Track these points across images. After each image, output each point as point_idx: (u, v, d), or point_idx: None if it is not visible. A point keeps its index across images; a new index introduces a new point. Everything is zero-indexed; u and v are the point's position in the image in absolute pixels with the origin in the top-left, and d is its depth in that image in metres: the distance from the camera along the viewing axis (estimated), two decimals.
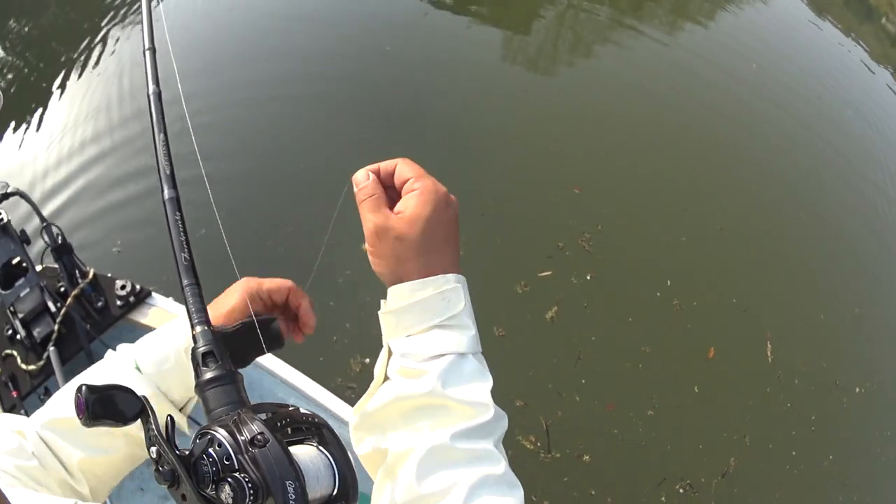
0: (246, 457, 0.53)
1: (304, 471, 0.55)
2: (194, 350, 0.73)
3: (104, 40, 5.58)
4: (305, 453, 0.59)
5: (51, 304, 2.47)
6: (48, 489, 0.79)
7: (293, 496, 0.52)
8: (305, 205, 3.79)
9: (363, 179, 0.76)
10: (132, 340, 2.50)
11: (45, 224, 2.40)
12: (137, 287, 2.62)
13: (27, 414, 2.09)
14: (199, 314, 0.76)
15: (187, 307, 0.78)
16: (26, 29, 6.20)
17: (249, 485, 0.52)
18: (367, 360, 3.17)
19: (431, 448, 0.66)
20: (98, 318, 2.59)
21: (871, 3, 8.74)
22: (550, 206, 3.91)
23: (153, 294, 2.66)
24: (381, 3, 5.79)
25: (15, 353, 2.46)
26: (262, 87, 4.66)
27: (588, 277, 3.51)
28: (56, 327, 2.42)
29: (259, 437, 0.54)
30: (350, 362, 3.14)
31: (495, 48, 5.51)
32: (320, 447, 0.60)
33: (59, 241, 2.46)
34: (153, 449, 0.58)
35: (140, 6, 1.17)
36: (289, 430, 0.60)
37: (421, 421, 0.69)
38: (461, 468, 0.66)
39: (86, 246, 2.59)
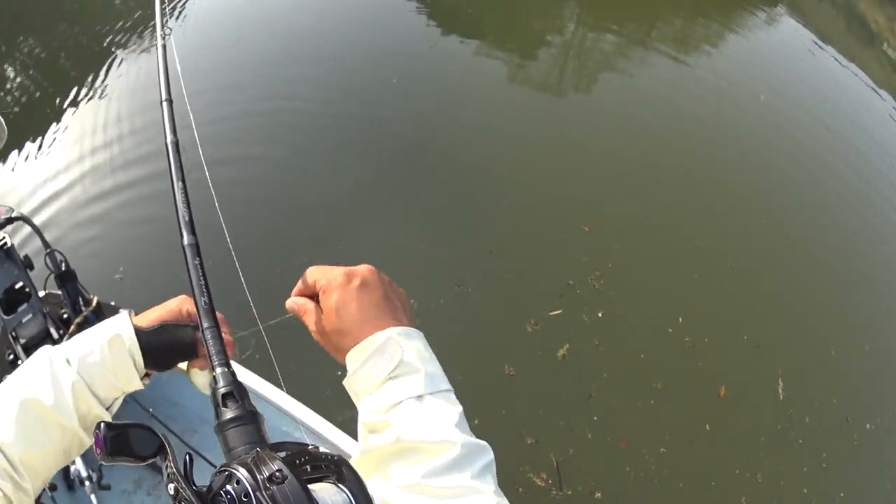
0: (264, 494, 0.54)
1: None
2: (214, 390, 0.76)
3: (112, 63, 5.73)
4: (324, 490, 0.60)
5: (53, 331, 2.47)
6: None
7: None
8: (311, 237, 3.90)
9: (291, 306, 0.88)
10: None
11: (48, 250, 2.43)
12: None
13: None
14: (219, 356, 0.79)
15: (208, 350, 0.81)
16: (36, 50, 6.34)
17: None
18: None
19: (407, 489, 0.71)
20: None
21: (873, 29, 8.89)
22: (560, 245, 4.01)
23: None
24: (389, 34, 5.95)
25: None
26: (269, 119, 4.79)
27: (599, 315, 3.60)
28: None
29: (277, 474, 0.55)
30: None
31: (502, 80, 5.65)
32: (339, 484, 0.61)
33: (63, 268, 2.50)
34: (171, 486, 0.59)
35: (156, 54, 1.22)
36: (308, 467, 0.61)
37: (394, 467, 0.73)
38: (440, 501, 0.69)
39: (87, 272, 2.67)
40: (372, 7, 6.57)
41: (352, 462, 0.73)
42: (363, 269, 0.85)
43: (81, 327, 2.50)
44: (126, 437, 0.63)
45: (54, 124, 5.12)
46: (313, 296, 0.87)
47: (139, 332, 0.95)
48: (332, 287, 0.83)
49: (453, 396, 0.79)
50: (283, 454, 0.59)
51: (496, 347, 3.46)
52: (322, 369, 3.22)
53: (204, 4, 6.22)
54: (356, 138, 4.64)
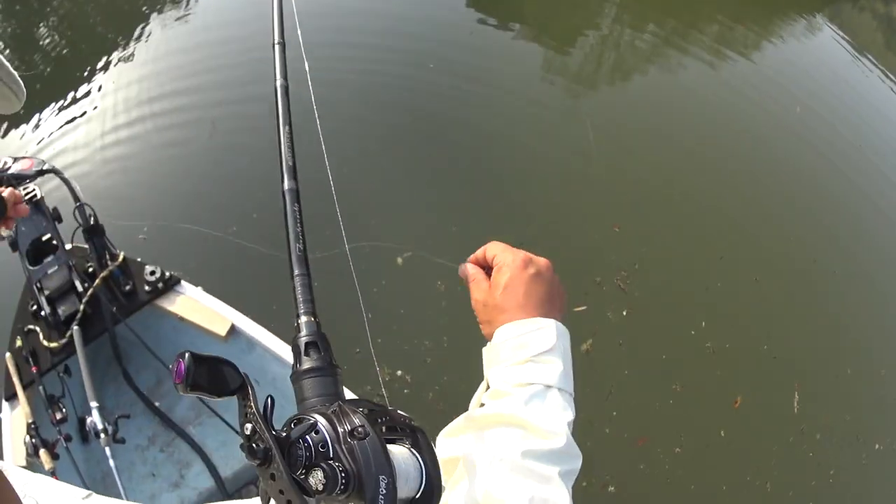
0: (343, 447, 0.55)
1: (396, 469, 0.58)
2: (296, 339, 0.76)
3: (147, 22, 5.81)
4: (399, 453, 0.61)
5: (78, 284, 2.55)
6: None
7: (384, 491, 0.54)
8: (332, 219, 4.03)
9: (465, 271, 0.97)
10: (159, 327, 2.75)
11: (78, 204, 2.49)
12: (167, 274, 2.73)
13: (45, 391, 2.30)
14: (306, 304, 0.80)
15: (295, 296, 0.81)
16: (68, 6, 6.41)
17: (343, 474, 0.54)
18: (399, 373, 3.39)
19: (501, 460, 0.75)
20: (125, 302, 2.69)
21: None
22: (589, 242, 4.15)
23: (182, 282, 2.77)
24: (428, 20, 6.08)
25: (38, 329, 2.55)
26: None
27: (624, 313, 3.72)
28: (81, 307, 2.51)
29: (360, 429, 0.56)
30: (378, 372, 3.35)
31: (539, 72, 5.75)
32: (413, 450, 0.63)
33: (92, 222, 2.56)
34: (248, 426, 0.59)
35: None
36: (384, 428, 0.62)
37: (495, 433, 0.78)
38: (523, 483, 0.74)
39: (111, 229, 2.77)
40: None
41: (452, 424, 0.83)
42: (542, 261, 0.93)
43: (106, 282, 2.64)
44: (209, 369, 0.62)
45: (87, 84, 5.21)
46: (486, 268, 0.95)
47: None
48: (508, 266, 0.90)
49: (573, 401, 0.85)
50: (363, 410, 0.60)
51: None
52: (346, 347, 3.39)
53: None
54: (389, 128, 4.80)
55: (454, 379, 3.38)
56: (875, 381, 3.90)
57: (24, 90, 0.96)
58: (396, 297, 3.68)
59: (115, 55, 5.48)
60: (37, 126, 4.80)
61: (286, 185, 0.93)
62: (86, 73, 5.28)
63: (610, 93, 5.88)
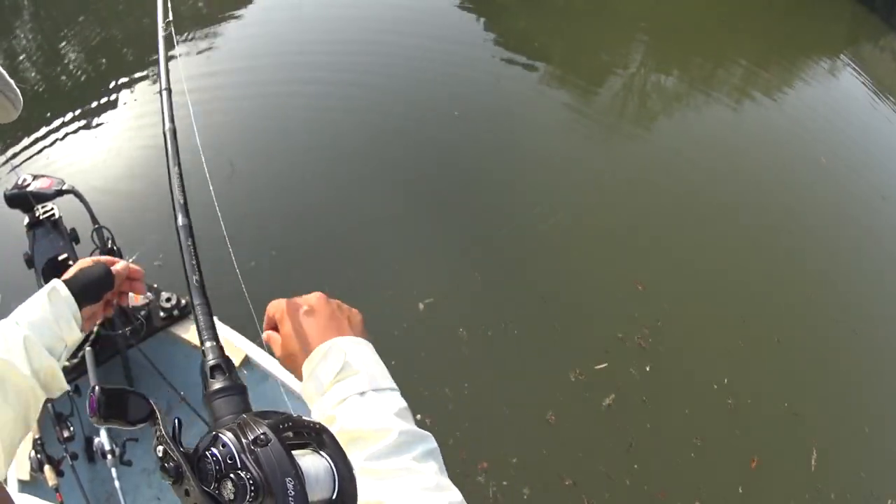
0: (248, 456, 0.58)
1: (304, 472, 0.60)
2: (203, 363, 0.81)
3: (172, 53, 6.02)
4: (306, 456, 0.63)
5: None
6: None
7: (292, 493, 0.57)
8: (351, 260, 4.23)
9: (264, 338, 1.04)
10: (172, 353, 2.85)
11: (96, 226, 2.53)
12: (182, 301, 2.81)
13: (54, 409, 2.35)
14: (208, 331, 0.85)
15: (197, 324, 0.88)
16: (94, 29, 6.63)
17: (251, 482, 0.56)
18: (418, 416, 3.54)
19: (360, 475, 0.76)
20: (139, 327, 2.74)
21: None
22: (612, 300, 4.31)
23: None
24: (455, 66, 6.32)
25: None
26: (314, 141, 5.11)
27: (647, 368, 3.90)
28: (95, 329, 2.52)
29: (262, 436, 0.59)
30: None
31: (564, 120, 6.00)
32: (320, 451, 0.65)
33: (109, 245, 2.60)
34: (159, 448, 0.62)
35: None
36: (291, 433, 0.64)
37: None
38: (383, 483, 0.78)
39: (128, 255, 2.83)
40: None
41: None
42: (311, 297, 0.99)
43: (121, 304, 2.76)
44: (117, 401, 0.66)
45: (111, 102, 5.52)
46: (276, 328, 1.02)
47: (66, 281, 1.18)
48: (283, 317, 0.98)
49: (397, 395, 0.90)
50: (266, 421, 0.63)
51: (538, 392, 3.76)
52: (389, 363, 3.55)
53: None
54: (412, 173, 5.02)
55: (476, 426, 3.54)
56: (891, 438, 4.04)
57: (21, 99, 0.99)
58: (416, 342, 3.85)
59: (137, 75, 5.71)
60: (58, 142, 5.06)
61: (180, 222, 1.01)
62: (110, 92, 5.51)
63: (633, 142, 6.08)
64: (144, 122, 5.34)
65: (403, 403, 0.89)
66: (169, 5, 1.53)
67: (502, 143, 5.43)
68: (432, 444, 0.85)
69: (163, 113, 1.17)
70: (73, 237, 2.66)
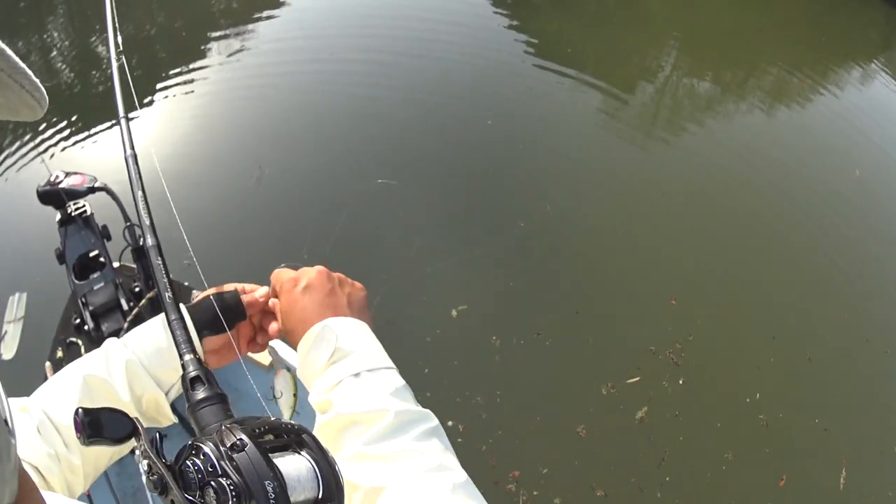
0: (227, 462, 0.60)
1: (284, 474, 0.61)
2: (184, 376, 0.83)
3: (206, 52, 6.16)
4: (285, 457, 0.65)
5: (123, 302, 2.58)
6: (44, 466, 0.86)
7: (273, 496, 0.58)
8: (385, 266, 4.34)
9: (270, 304, 1.07)
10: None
11: (128, 224, 2.54)
12: None
13: None
14: (185, 344, 0.88)
15: (175, 339, 0.90)
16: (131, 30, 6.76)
17: (232, 487, 0.58)
18: (450, 423, 3.62)
19: (353, 459, 0.80)
20: None
21: None
22: (645, 312, 4.39)
23: None
24: (488, 76, 6.41)
25: (80, 342, 2.60)
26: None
27: (680, 382, 3.99)
28: (126, 325, 2.53)
29: (238, 442, 0.61)
30: None
31: (599, 132, 6.06)
32: (300, 452, 0.67)
33: (141, 243, 2.56)
34: (144, 462, 0.64)
35: None
36: (271, 436, 0.66)
37: (342, 440, 0.84)
38: (383, 467, 0.78)
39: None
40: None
41: None
42: (311, 271, 1.01)
43: (152, 302, 2.67)
44: (99, 421, 0.67)
45: (146, 103, 5.62)
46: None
47: (189, 307, 1.04)
48: (282, 291, 1.01)
49: (394, 373, 0.91)
50: (242, 426, 0.65)
51: (570, 404, 3.85)
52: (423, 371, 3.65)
53: None
54: (442, 181, 5.12)
55: (508, 435, 3.64)
56: None
57: (46, 97, 1.03)
58: (449, 349, 3.95)
59: (172, 81, 5.83)
60: (94, 142, 5.21)
61: (149, 242, 1.06)
62: (146, 93, 5.64)
63: (666, 152, 6.10)
64: (178, 117, 5.50)
65: (401, 382, 0.90)
66: (119, 36, 1.58)
67: (536, 152, 5.52)
68: (433, 421, 0.86)
69: (123, 141, 1.23)
70: (105, 234, 2.71)
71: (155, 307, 2.70)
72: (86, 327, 2.59)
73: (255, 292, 1.11)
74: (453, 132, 5.54)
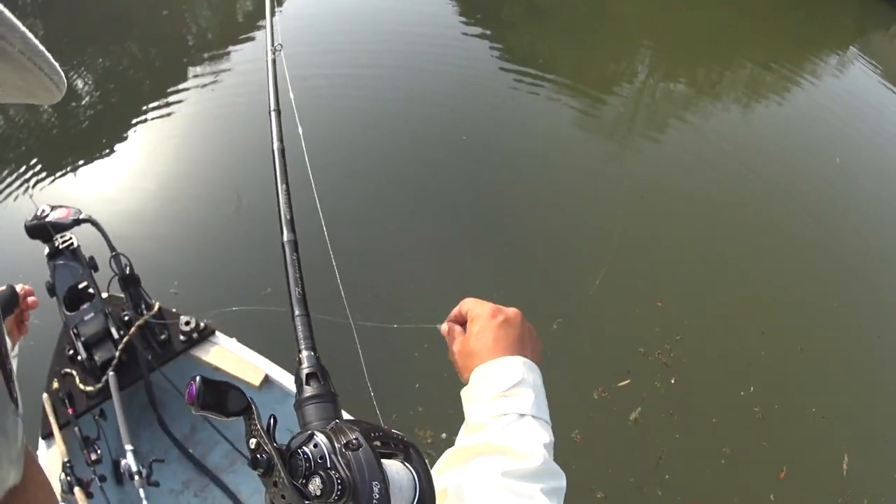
0: (339, 457, 0.61)
1: (389, 479, 0.63)
2: (298, 370, 0.85)
3: (184, 79, 6.22)
4: (393, 465, 0.67)
5: (114, 331, 2.67)
6: None
7: (377, 496, 0.60)
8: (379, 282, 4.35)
9: (443, 328, 1.11)
10: (193, 375, 2.96)
11: (114, 253, 2.65)
12: (202, 324, 2.90)
13: (80, 432, 2.45)
14: (306, 340, 0.91)
15: (296, 334, 0.92)
16: (107, 62, 6.82)
17: (339, 481, 0.60)
18: (444, 436, 3.64)
19: (482, 481, 0.83)
20: (160, 351, 2.83)
21: None
22: (631, 316, 4.39)
23: (217, 333, 2.94)
24: (463, 92, 6.46)
25: (74, 372, 2.67)
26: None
27: (672, 381, 3.99)
28: (117, 354, 2.63)
29: (354, 441, 0.63)
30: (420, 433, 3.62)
31: (576, 138, 6.13)
32: (406, 463, 0.69)
33: (128, 272, 2.71)
34: (252, 441, 0.66)
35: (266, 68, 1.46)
36: (379, 442, 0.68)
37: (478, 461, 0.86)
38: (508, 501, 0.81)
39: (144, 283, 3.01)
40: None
41: (439, 461, 0.90)
42: (511, 310, 1.06)
43: (142, 330, 2.79)
44: (217, 392, 0.70)
45: (125, 134, 5.70)
46: (462, 323, 1.09)
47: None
48: (479, 317, 1.04)
49: (549, 428, 0.95)
50: (358, 428, 0.66)
51: (562, 411, 3.79)
52: (392, 410, 3.65)
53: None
54: (423, 195, 5.16)
55: None
56: None
57: (65, 80, 1.02)
58: (438, 362, 3.94)
59: (151, 114, 5.88)
60: (71, 174, 5.25)
61: (286, 237, 1.08)
62: (124, 127, 5.69)
63: (644, 154, 6.15)
64: (159, 150, 5.54)
65: (552, 438, 0.94)
66: (277, 30, 1.65)
67: (513, 162, 5.57)
68: (563, 482, 0.90)
69: (271, 133, 1.26)
70: (92, 265, 2.75)
71: (144, 335, 2.81)
72: (79, 357, 2.65)
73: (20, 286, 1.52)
74: (429, 150, 5.60)
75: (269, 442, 0.66)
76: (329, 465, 0.62)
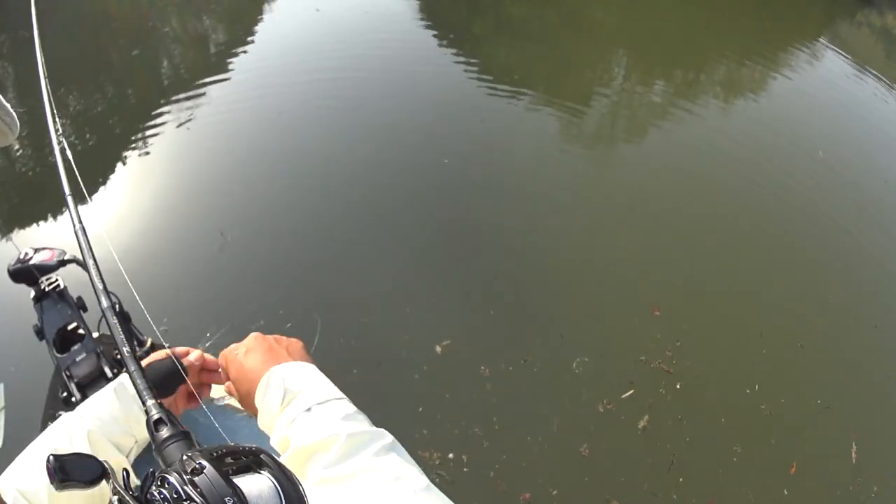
0: (189, 487, 0.62)
1: (246, 492, 0.64)
2: (148, 420, 0.88)
3: (162, 121, 6.21)
4: (248, 478, 0.67)
5: (107, 370, 2.55)
6: None
7: None
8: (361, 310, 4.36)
9: (225, 389, 1.18)
10: (190, 410, 2.93)
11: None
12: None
13: None
14: (146, 391, 0.95)
15: (136, 388, 0.97)
16: (82, 103, 6.81)
17: None
18: (451, 455, 3.63)
19: (316, 485, 0.84)
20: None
21: None
22: (630, 327, 4.42)
23: None
24: (440, 114, 6.51)
25: None
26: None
27: (678, 386, 4.03)
28: None
29: (197, 466, 0.64)
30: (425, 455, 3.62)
31: (558, 152, 6.18)
32: (260, 471, 0.69)
33: (117, 310, 2.69)
34: (115, 498, 0.68)
35: None
36: (229, 458, 0.68)
37: (305, 472, 0.87)
38: (343, 487, 0.83)
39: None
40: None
41: None
42: (248, 339, 1.12)
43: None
44: (70, 466, 0.70)
45: (108, 174, 5.69)
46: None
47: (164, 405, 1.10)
48: (229, 363, 1.11)
49: (345, 402, 0.97)
50: (202, 452, 0.68)
51: (568, 426, 3.84)
52: (401, 430, 3.62)
53: None
54: (407, 224, 5.17)
55: (512, 459, 3.64)
56: None
57: (18, 123, 1.01)
58: (439, 383, 3.96)
59: (128, 152, 5.90)
60: (59, 216, 5.22)
61: (104, 304, 1.17)
62: (102, 165, 5.73)
63: (627, 163, 6.22)
64: (141, 186, 5.55)
65: (352, 408, 0.96)
66: (57, 122, 1.72)
67: (497, 183, 5.60)
68: (388, 438, 0.91)
69: (71, 217, 1.40)
70: (81, 305, 2.71)
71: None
72: (73, 399, 2.50)
73: (189, 356, 1.31)
74: (411, 175, 5.64)
75: (125, 493, 0.67)
76: (185, 497, 0.62)
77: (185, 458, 0.68)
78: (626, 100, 7.14)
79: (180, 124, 6.33)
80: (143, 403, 0.94)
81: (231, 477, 0.65)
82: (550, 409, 3.92)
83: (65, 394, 2.54)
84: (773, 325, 4.48)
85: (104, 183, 5.59)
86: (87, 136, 6.41)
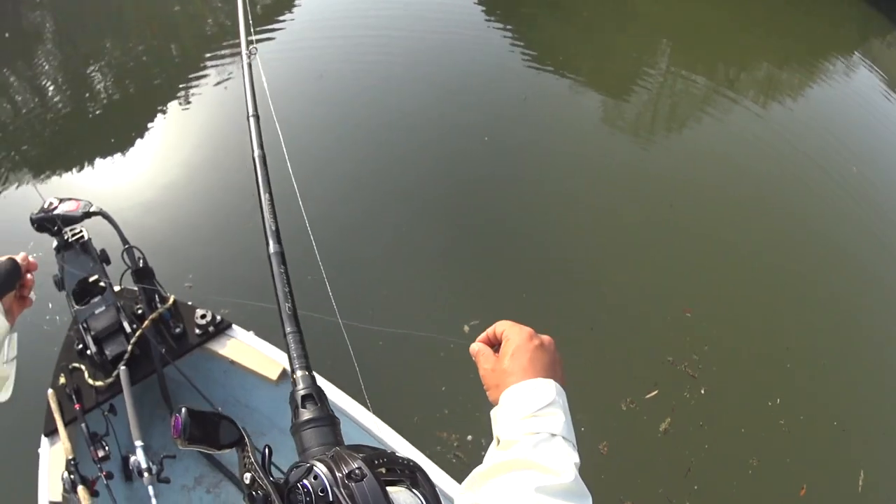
0: (342, 490, 0.58)
1: None
2: (293, 392, 0.83)
3: (202, 75, 6.15)
4: (400, 493, 0.65)
5: (126, 325, 2.61)
6: None
7: None
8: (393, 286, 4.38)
9: (473, 348, 1.12)
10: (209, 370, 2.93)
11: (127, 246, 2.59)
12: (218, 318, 2.85)
13: (88, 428, 2.41)
14: (300, 360, 0.90)
15: (289, 353, 0.92)
16: (121, 55, 6.72)
17: None
18: (470, 437, 3.67)
19: (516, 496, 0.81)
20: (174, 344, 2.78)
21: None
22: (660, 326, 4.44)
23: (234, 326, 2.88)
24: (482, 92, 6.48)
25: (83, 367, 2.63)
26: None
27: (702, 391, 4.05)
28: (129, 348, 2.58)
29: (357, 471, 0.60)
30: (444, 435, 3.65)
31: (598, 139, 6.17)
32: (412, 489, 0.67)
33: (141, 265, 2.66)
34: (247, 475, 0.64)
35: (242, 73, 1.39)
36: (384, 469, 0.65)
37: (506, 477, 0.85)
38: None
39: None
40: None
41: (468, 478, 0.88)
42: (545, 337, 1.10)
43: (156, 324, 2.74)
44: (206, 424, 0.67)
45: (143, 127, 5.64)
46: (493, 345, 1.11)
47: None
48: (515, 338, 1.07)
49: (576, 452, 0.95)
50: (361, 455, 0.64)
51: (590, 421, 3.86)
52: (417, 413, 3.64)
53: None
54: (442, 202, 5.19)
55: None
56: None
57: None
58: (464, 363, 3.94)
59: (166, 105, 5.83)
60: (87, 167, 5.19)
61: (271, 249, 1.06)
62: (136, 119, 5.63)
63: (672, 158, 6.19)
64: (172, 142, 5.52)
65: (579, 461, 0.94)
66: (252, 29, 1.59)
67: (538, 165, 5.61)
68: (589, 502, 0.90)
69: (251, 139, 1.22)
70: (104, 258, 2.73)
71: (158, 329, 2.78)
72: (88, 352, 2.61)
73: (17, 256, 1.33)
74: (451, 153, 5.62)
75: (264, 476, 0.63)
76: (331, 499, 0.59)
77: (339, 452, 0.65)
78: (669, 92, 7.08)
79: (218, 82, 6.26)
80: (293, 373, 0.89)
81: (386, 489, 0.61)
82: (573, 402, 3.87)
83: (80, 345, 2.64)
84: (800, 341, 4.50)
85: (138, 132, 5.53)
86: (126, 86, 6.33)
